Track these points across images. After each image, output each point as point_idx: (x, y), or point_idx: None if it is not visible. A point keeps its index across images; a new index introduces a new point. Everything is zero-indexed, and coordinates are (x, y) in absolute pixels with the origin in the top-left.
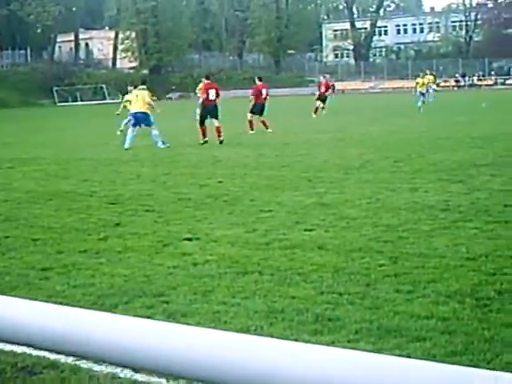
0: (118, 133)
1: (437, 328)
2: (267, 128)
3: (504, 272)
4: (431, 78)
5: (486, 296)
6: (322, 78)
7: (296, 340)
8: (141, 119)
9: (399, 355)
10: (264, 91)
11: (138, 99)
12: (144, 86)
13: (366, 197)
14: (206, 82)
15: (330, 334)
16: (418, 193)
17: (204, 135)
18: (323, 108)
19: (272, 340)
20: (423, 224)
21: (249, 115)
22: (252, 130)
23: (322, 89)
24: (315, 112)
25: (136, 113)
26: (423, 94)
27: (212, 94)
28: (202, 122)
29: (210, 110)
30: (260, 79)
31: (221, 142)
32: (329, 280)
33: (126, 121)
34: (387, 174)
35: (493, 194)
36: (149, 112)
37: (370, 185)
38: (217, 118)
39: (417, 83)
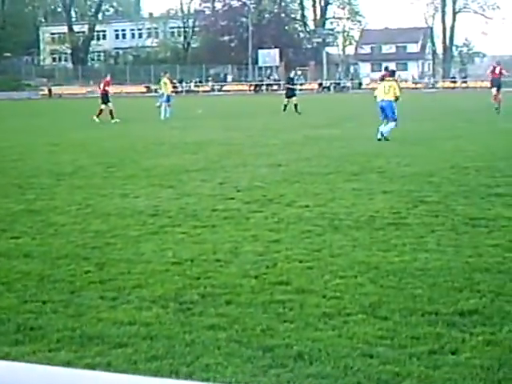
0: None
1: (139, 333)
2: None
3: (208, 276)
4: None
5: (189, 300)
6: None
7: None
8: None
9: (100, 363)
10: None
11: None
12: None
13: (77, 203)
14: None
15: (31, 343)
16: (128, 198)
17: None
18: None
19: None
20: (132, 229)
21: None
22: None
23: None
24: (112, 117)
25: None
26: (169, 98)
27: None
28: None
29: None
30: None
31: None
32: (33, 288)
33: None
34: (99, 179)
35: (202, 199)
36: None
37: (81, 191)
38: None
39: (164, 83)
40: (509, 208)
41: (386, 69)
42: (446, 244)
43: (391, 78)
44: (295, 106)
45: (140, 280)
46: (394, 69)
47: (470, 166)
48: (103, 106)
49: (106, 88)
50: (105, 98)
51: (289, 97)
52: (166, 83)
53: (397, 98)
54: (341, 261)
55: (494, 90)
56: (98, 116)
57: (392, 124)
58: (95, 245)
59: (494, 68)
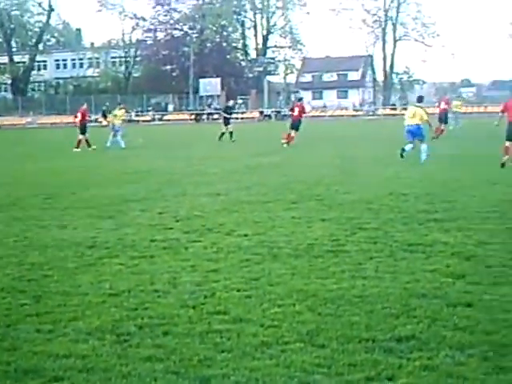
0: None
1: (75, 366)
2: None
3: (145, 307)
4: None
5: (126, 331)
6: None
7: None
8: None
9: None
10: None
11: None
12: None
13: (14, 235)
14: None
15: None
16: (66, 230)
17: None
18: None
19: None
20: (69, 261)
21: None
22: None
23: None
24: (88, 146)
25: None
26: (116, 129)
27: None
28: None
29: None
30: None
31: None
32: None
33: None
34: (38, 211)
35: (141, 229)
36: None
37: (19, 222)
38: None
39: (114, 116)
40: (446, 233)
41: (300, 100)
42: (383, 270)
43: (417, 104)
44: (230, 133)
45: (76, 312)
46: (422, 95)
47: (408, 193)
48: (81, 137)
49: (86, 117)
50: (83, 128)
51: (226, 125)
52: (116, 115)
53: (427, 122)
54: (279, 289)
55: (443, 126)
56: (77, 147)
57: (425, 146)
58: (32, 277)
59: (439, 103)
